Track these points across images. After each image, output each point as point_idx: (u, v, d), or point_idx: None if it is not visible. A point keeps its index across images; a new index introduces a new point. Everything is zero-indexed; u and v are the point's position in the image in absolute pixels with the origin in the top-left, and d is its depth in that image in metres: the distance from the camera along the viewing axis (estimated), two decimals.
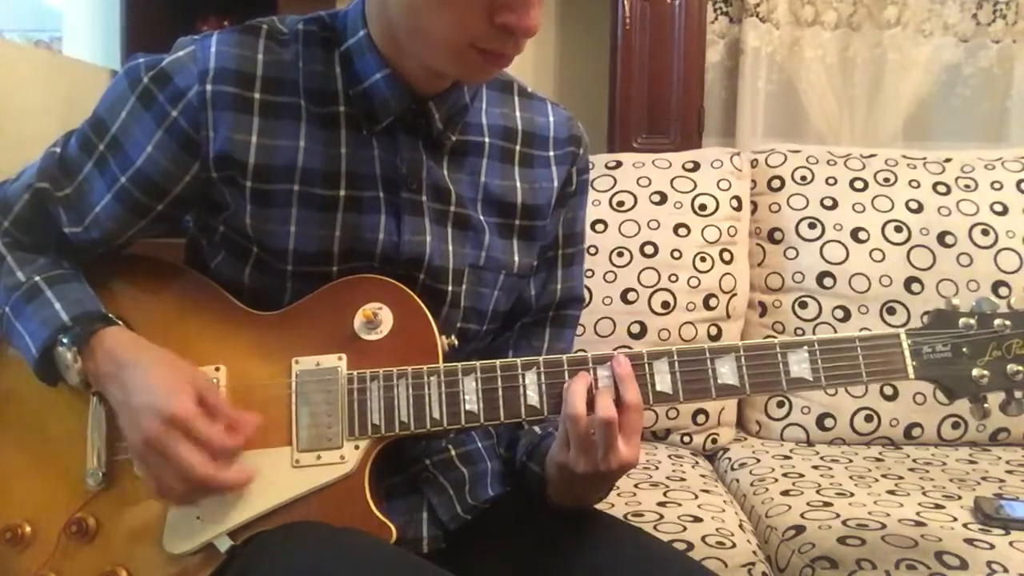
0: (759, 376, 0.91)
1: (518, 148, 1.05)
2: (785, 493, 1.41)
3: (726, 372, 0.91)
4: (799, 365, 0.91)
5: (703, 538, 1.24)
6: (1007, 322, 0.93)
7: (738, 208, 1.77)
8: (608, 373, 0.90)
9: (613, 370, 0.90)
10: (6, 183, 1.01)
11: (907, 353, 0.92)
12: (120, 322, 0.93)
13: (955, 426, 1.67)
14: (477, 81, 0.94)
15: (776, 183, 1.80)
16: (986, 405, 0.93)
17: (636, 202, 1.74)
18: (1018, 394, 0.93)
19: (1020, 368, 0.92)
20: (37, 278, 0.95)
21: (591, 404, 0.88)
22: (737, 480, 1.55)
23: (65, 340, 0.90)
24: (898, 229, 1.72)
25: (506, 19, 0.83)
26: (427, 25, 0.87)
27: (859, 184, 1.77)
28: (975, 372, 0.92)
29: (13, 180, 1.01)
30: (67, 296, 0.94)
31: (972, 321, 0.93)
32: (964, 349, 0.93)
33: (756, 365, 0.91)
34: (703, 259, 1.71)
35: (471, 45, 0.86)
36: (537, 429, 1.05)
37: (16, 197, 0.99)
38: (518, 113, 1.06)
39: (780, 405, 1.72)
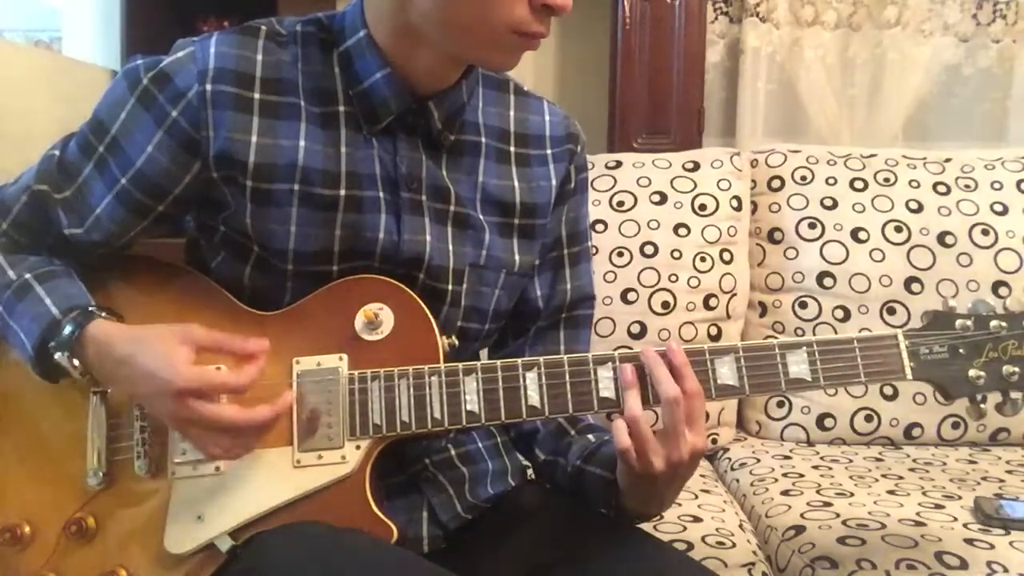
0: (758, 377, 0.91)
1: (512, 149, 1.05)
2: (785, 493, 1.41)
3: (725, 373, 0.91)
4: (798, 366, 0.92)
5: (703, 538, 1.24)
6: (1003, 324, 0.93)
7: (738, 208, 1.76)
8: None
9: (668, 361, 0.90)
10: (5, 186, 1.02)
11: (905, 354, 0.93)
12: (103, 313, 0.93)
13: (955, 426, 1.67)
14: (508, 67, 0.95)
15: (776, 183, 1.80)
16: (983, 406, 0.94)
17: (636, 202, 1.74)
18: (1014, 395, 0.93)
19: (1015, 369, 0.92)
20: (27, 275, 0.96)
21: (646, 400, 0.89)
22: (737, 480, 1.56)
23: (58, 344, 0.90)
24: (898, 229, 1.72)
25: None
26: (466, 15, 0.88)
27: (859, 184, 1.77)
28: (972, 373, 0.93)
29: (12, 183, 1.01)
30: (57, 291, 0.94)
31: (969, 323, 0.94)
32: (961, 350, 0.93)
33: (755, 366, 0.91)
34: (703, 259, 1.71)
35: (512, 30, 0.88)
36: (591, 437, 1.05)
37: (15, 199, 0.99)
38: (512, 113, 1.06)
39: (780, 405, 1.72)
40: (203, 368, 0.87)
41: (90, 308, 0.93)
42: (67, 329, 0.90)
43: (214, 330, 0.90)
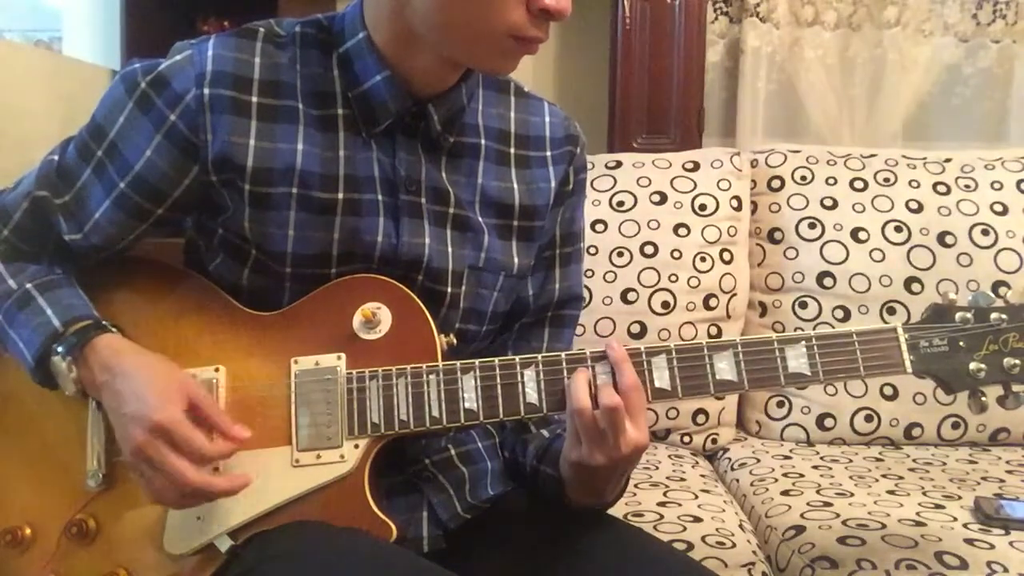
0: (757, 371, 0.91)
1: (512, 151, 1.05)
2: (785, 493, 1.41)
3: (724, 368, 0.91)
4: (797, 360, 0.91)
5: (703, 538, 1.24)
6: (1003, 316, 0.93)
7: (738, 208, 1.77)
8: (606, 366, 0.90)
9: (608, 356, 0.90)
10: (4, 192, 1.02)
11: (904, 347, 0.92)
12: (114, 328, 0.93)
13: (955, 426, 1.67)
14: (506, 72, 0.95)
15: (776, 183, 1.80)
16: (984, 399, 0.93)
17: (636, 202, 1.74)
18: (1015, 388, 0.93)
19: (1017, 362, 0.92)
20: (28, 285, 0.95)
21: (593, 397, 0.88)
22: (737, 480, 1.55)
23: (60, 349, 0.90)
24: (898, 229, 1.72)
25: (544, 3, 0.86)
26: (464, 19, 0.88)
27: (859, 184, 1.77)
28: (972, 366, 0.92)
29: (11, 189, 1.01)
30: (59, 302, 0.94)
31: (969, 315, 0.93)
32: (961, 343, 0.93)
33: (754, 360, 0.91)
34: (703, 259, 1.71)
35: (509, 35, 0.88)
36: (545, 432, 1.05)
37: (15, 206, 0.99)
38: (513, 114, 1.06)
39: (780, 405, 1.72)
40: (185, 420, 0.85)
41: (102, 322, 0.93)
42: (70, 341, 0.90)
43: (212, 400, 0.90)
